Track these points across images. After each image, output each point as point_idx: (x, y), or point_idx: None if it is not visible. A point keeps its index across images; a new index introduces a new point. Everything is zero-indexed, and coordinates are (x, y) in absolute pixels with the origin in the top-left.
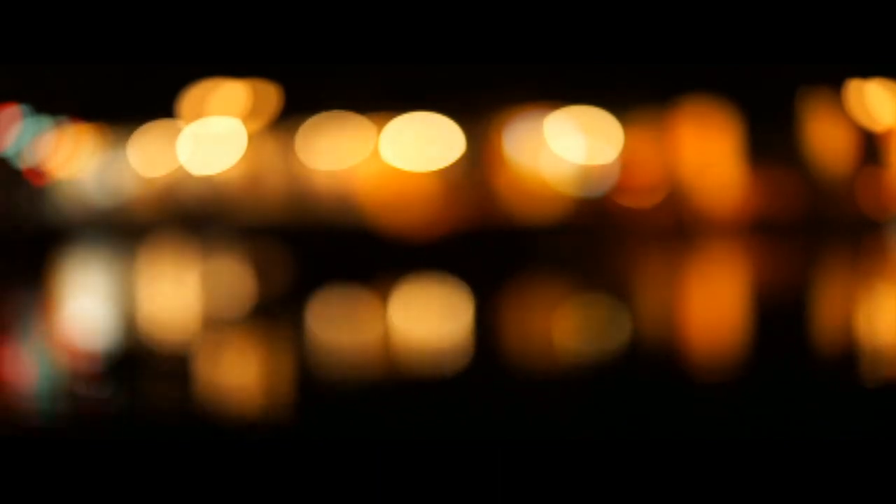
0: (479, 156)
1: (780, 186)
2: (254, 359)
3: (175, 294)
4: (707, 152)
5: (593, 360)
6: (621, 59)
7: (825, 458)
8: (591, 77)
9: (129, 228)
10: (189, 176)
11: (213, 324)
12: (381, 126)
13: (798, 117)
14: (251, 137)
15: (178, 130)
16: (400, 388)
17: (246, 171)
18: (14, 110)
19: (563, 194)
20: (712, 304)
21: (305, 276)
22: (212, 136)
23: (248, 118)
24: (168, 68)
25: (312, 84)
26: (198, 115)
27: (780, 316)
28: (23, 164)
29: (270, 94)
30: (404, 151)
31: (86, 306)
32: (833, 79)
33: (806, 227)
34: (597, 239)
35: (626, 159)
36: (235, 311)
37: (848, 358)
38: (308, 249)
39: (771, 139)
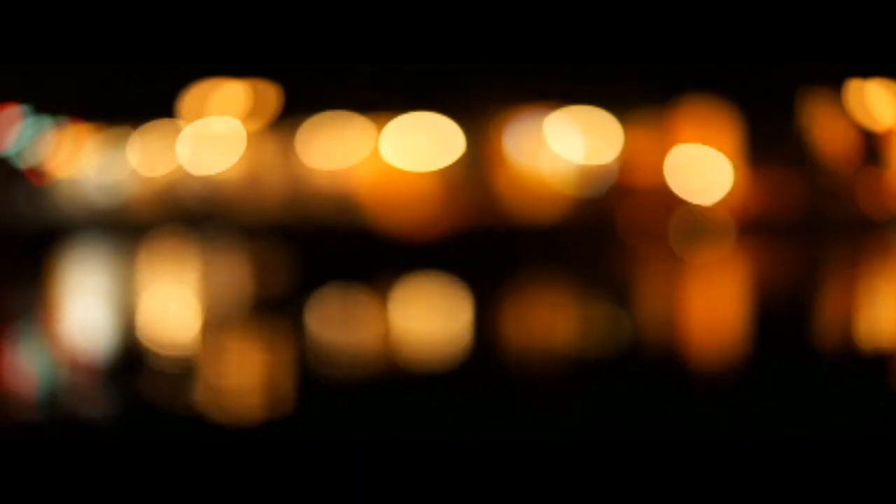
0: (479, 156)
1: (780, 186)
2: (254, 359)
3: (175, 294)
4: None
5: (594, 360)
6: (621, 59)
7: (825, 458)
8: (591, 77)
9: (129, 228)
10: (189, 176)
11: (213, 323)
12: (381, 126)
13: (798, 117)
14: (251, 137)
15: (178, 130)
16: (400, 387)
17: (246, 171)
18: (14, 110)
19: (563, 194)
20: (712, 304)
21: (305, 276)
22: (212, 136)
23: (248, 118)
24: (168, 68)
25: (312, 84)
26: (198, 115)
27: (780, 316)
28: (23, 164)
29: (270, 94)
30: (404, 151)
31: (86, 306)
32: (833, 79)
33: (806, 227)
34: (597, 239)
35: (626, 159)
36: (235, 311)
37: (848, 358)
38: (308, 249)
39: (771, 139)
